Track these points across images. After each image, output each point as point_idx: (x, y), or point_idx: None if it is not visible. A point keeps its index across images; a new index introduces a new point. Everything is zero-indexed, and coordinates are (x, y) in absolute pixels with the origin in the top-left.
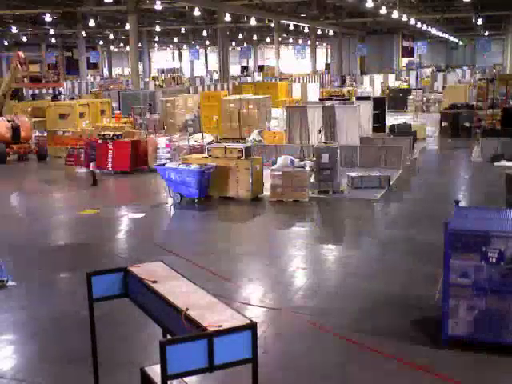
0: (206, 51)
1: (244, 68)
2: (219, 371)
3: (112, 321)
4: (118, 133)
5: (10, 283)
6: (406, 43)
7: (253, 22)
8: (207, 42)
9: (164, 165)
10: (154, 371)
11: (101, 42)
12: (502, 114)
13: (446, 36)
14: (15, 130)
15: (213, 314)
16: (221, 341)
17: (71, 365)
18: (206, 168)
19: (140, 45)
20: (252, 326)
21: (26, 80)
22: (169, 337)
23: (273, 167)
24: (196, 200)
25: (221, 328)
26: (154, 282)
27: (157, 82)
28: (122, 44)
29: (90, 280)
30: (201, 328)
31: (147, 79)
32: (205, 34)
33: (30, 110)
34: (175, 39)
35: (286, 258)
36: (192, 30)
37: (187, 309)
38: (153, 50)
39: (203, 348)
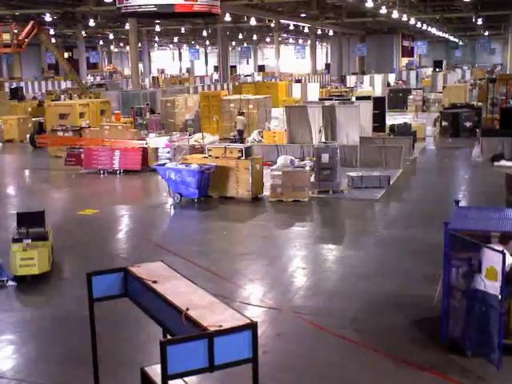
0: (206, 51)
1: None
2: (219, 371)
3: (112, 321)
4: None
5: (10, 283)
6: (405, 43)
7: (253, 21)
8: (207, 42)
9: (164, 165)
10: (154, 371)
11: (101, 42)
12: (499, 114)
13: (446, 36)
14: None
15: (213, 314)
16: (221, 341)
17: (71, 365)
18: (205, 168)
19: (140, 45)
20: (252, 326)
21: None
22: (169, 337)
23: (273, 167)
24: (196, 200)
25: (221, 328)
26: (154, 281)
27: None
28: (121, 44)
29: (90, 280)
30: (201, 328)
31: (147, 79)
32: (205, 33)
33: (30, 109)
34: (175, 39)
35: (285, 258)
36: (192, 30)
37: (187, 309)
38: (153, 50)
39: (203, 348)
